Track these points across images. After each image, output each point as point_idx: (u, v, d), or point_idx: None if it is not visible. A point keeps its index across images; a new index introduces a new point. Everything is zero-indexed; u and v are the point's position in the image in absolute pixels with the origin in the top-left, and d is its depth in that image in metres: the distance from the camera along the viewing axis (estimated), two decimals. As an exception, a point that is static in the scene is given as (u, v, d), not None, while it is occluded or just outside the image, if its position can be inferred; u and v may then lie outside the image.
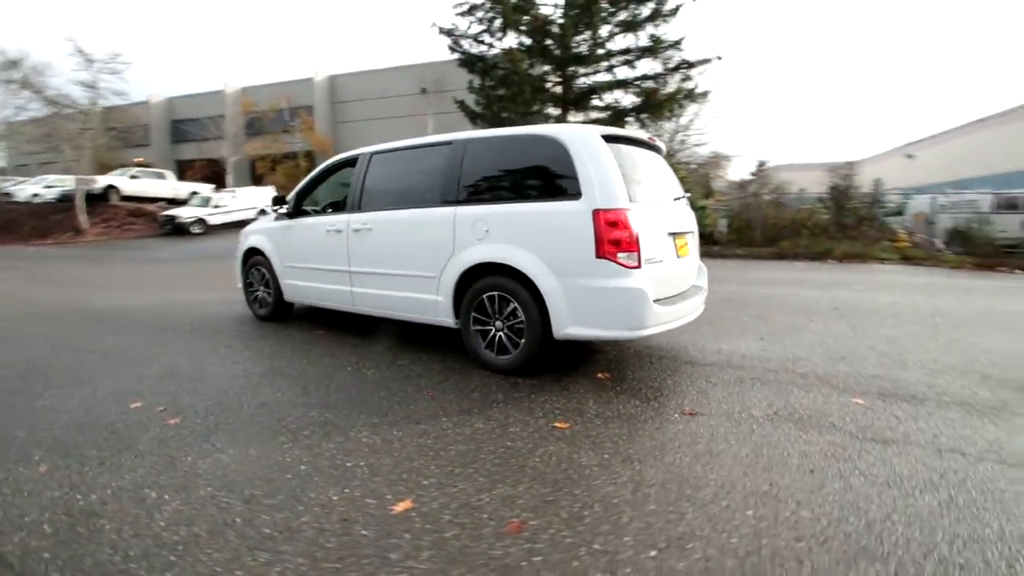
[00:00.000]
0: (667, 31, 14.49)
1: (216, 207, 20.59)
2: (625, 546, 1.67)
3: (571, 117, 15.02)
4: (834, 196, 13.04)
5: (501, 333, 3.39)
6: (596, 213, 2.97)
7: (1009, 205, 13.04)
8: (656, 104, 13.44)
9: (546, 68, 15.74)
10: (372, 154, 4.17)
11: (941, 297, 6.73)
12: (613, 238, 2.93)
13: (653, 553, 1.63)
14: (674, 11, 13.77)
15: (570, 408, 2.83)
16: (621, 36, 14.54)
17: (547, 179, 3.26)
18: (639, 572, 1.55)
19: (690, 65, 14.41)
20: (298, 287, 4.69)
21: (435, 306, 3.67)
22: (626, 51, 14.83)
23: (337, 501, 1.95)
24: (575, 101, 15.27)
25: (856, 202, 13.12)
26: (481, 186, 3.49)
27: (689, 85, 14.32)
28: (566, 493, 1.98)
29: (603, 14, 13.96)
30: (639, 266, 2.98)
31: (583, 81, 14.93)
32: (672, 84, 14.45)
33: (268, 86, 31.42)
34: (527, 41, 14.57)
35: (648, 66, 14.96)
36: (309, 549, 1.67)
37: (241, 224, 21.40)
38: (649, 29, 14.45)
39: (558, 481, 2.07)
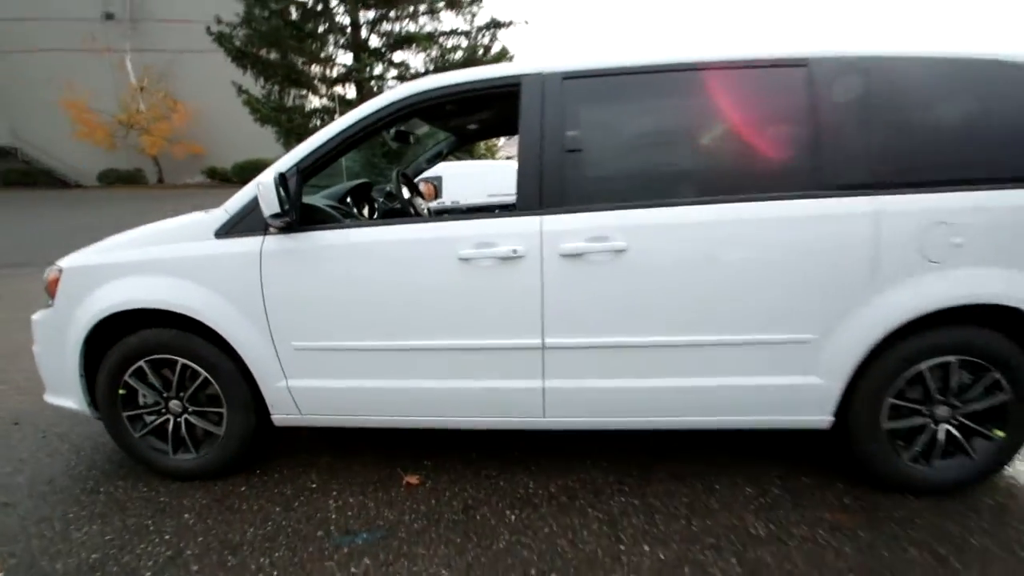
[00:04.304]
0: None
1: None
2: None
3: (383, 68, 12.49)
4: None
5: (944, 427, 1.85)
6: None
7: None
8: (488, 63, 12.25)
9: (334, 4, 12.64)
10: (563, 78, 1.84)
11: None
12: None
13: None
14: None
15: None
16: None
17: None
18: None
19: (498, 25, 13.64)
20: (342, 393, 1.94)
21: (794, 397, 1.83)
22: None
23: None
24: (379, 51, 12.77)
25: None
26: (917, 156, 1.77)
27: (504, 45, 13.58)
28: None
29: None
30: None
31: (394, 28, 12.53)
32: (488, 42, 13.48)
33: None
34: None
35: (451, 21, 13.60)
36: None
37: None
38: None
39: None
